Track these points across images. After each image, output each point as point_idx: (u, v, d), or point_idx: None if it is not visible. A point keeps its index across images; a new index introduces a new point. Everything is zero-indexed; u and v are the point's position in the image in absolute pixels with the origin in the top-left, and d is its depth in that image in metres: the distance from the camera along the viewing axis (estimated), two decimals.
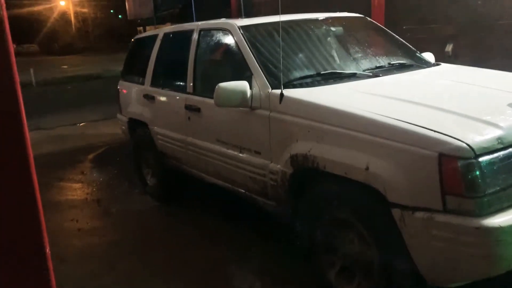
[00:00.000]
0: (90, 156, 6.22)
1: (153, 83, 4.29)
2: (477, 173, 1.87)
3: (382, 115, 2.20)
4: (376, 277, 2.25)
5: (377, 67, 3.16)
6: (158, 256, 3.30)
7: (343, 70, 3.04)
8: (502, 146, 1.96)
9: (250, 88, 2.83)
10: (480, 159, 1.89)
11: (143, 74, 4.44)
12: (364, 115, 2.26)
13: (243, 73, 3.01)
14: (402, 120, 2.12)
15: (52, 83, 16.23)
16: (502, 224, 1.83)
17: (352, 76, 2.96)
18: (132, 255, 3.33)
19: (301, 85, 2.82)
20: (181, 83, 3.82)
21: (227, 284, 2.83)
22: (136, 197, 4.55)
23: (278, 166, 2.70)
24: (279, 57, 2.84)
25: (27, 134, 0.87)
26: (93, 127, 8.07)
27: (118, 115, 5.06)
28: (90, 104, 10.18)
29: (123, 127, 4.91)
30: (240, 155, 3.04)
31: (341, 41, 3.43)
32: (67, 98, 12.27)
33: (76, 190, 4.93)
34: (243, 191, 3.11)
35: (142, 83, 4.45)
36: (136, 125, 4.56)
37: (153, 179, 4.48)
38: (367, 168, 2.15)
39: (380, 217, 2.15)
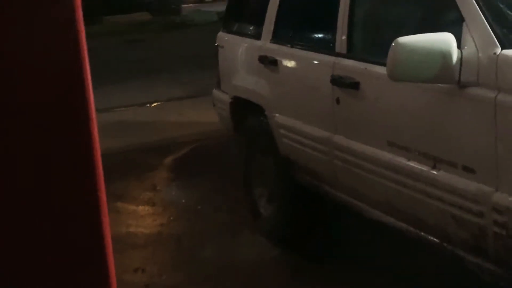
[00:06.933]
0: (168, 160, 6.25)
1: (277, 37, 4.24)
2: None
3: None
4: None
5: None
6: None
7: None
8: None
9: (458, 46, 2.67)
10: None
11: (258, 22, 4.40)
12: None
13: (443, 19, 2.97)
14: None
15: (112, 33, 16.71)
16: None
17: None
18: None
19: None
20: (325, 37, 3.81)
21: None
22: (242, 236, 4.47)
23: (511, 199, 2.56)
24: None
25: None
26: (173, 109, 8.15)
27: (215, 91, 5.06)
28: (169, 69, 10.36)
29: (223, 113, 4.89)
30: (435, 172, 2.89)
31: None
32: (134, 58, 12.51)
33: (144, 217, 4.97)
34: (438, 241, 2.98)
35: (258, 37, 4.40)
36: (245, 109, 4.54)
37: (272, 205, 4.37)
38: None
39: None
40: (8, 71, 1.07)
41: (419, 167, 2.94)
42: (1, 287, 1.12)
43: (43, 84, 1.08)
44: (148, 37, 15.72)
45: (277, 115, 4.06)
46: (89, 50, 1.17)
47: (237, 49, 4.69)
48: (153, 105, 8.51)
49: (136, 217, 4.96)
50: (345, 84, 3.39)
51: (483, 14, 2.69)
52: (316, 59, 3.75)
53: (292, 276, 3.93)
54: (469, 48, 2.65)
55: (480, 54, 2.61)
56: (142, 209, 5.10)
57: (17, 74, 1.07)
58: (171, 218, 4.89)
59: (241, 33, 4.69)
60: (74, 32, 1.09)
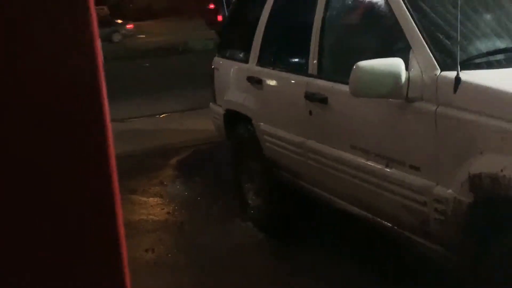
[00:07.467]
0: (173, 161, 6.54)
1: (261, 61, 4.43)
2: None
3: None
4: None
5: None
6: None
7: None
8: None
9: (406, 69, 2.82)
10: None
11: (247, 47, 4.60)
12: None
13: (395, 46, 3.05)
14: None
15: (126, 58, 17.33)
16: None
17: None
18: None
19: (489, 65, 2.77)
20: (300, 61, 3.95)
21: None
22: (233, 223, 4.70)
23: (449, 190, 2.64)
24: (454, 19, 2.76)
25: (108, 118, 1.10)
26: (178, 120, 8.50)
27: (212, 105, 5.30)
28: (174, 88, 10.76)
29: (218, 122, 5.13)
30: (388, 170, 3.03)
31: None
32: (144, 79, 13.10)
33: (153, 207, 5.26)
34: (390, 225, 3.12)
35: (246, 61, 4.62)
36: (236, 119, 4.75)
37: (258, 198, 4.60)
38: None
39: None
40: (28, 76, 1.04)
41: (375, 165, 3.12)
42: (2, 286, 1.10)
43: (60, 88, 1.06)
44: (157, 62, 16.32)
45: (262, 124, 4.28)
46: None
47: (229, 71, 4.92)
48: (161, 116, 8.98)
49: (147, 207, 5.23)
50: (316, 99, 3.56)
51: (426, 43, 2.87)
52: (293, 79, 3.94)
53: (272, 257, 4.16)
54: (415, 70, 2.82)
55: (423, 75, 2.79)
56: (152, 200, 5.39)
57: (37, 79, 1.04)
58: (176, 207, 5.17)
59: (232, 58, 4.94)
60: (90, 37, 1.05)
